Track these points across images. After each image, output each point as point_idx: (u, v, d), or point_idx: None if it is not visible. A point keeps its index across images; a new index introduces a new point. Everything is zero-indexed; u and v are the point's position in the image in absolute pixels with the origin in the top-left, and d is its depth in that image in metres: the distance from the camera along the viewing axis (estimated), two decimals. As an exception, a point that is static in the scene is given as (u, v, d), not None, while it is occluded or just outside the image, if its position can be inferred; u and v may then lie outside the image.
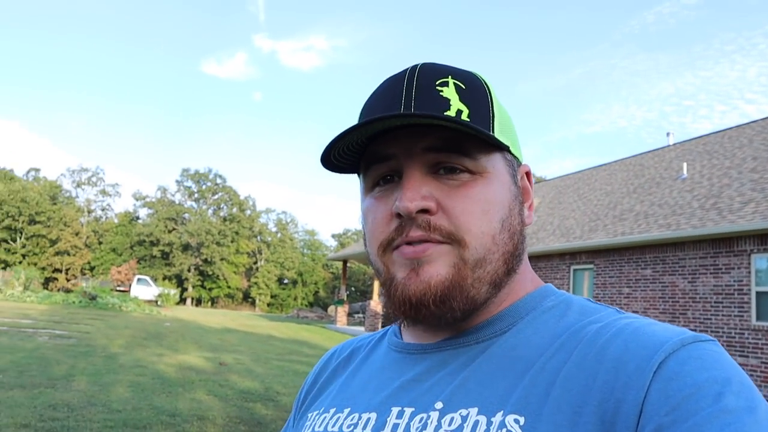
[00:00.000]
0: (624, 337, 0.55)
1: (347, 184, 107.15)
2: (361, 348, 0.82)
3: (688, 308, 11.41)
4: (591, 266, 14.23)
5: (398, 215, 0.63)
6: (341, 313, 25.98)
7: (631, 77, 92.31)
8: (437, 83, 0.64)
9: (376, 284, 24.20)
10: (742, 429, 0.45)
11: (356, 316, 29.50)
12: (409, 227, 0.62)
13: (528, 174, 0.73)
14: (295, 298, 62.52)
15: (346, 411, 0.69)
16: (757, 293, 10.32)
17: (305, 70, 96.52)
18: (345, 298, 26.85)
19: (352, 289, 55.60)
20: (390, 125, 0.61)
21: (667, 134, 20.08)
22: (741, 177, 12.77)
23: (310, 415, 0.75)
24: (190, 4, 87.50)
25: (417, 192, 0.61)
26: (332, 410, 0.71)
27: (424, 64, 0.67)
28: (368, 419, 0.65)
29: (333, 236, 71.13)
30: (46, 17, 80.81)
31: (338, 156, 0.66)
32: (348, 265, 30.27)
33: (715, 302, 10.95)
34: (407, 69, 0.67)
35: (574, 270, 14.82)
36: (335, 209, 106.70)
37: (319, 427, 0.70)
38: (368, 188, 0.69)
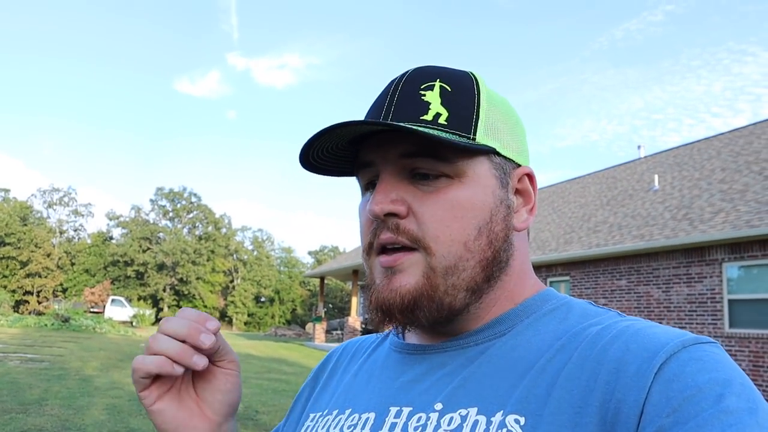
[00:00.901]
0: (625, 339, 0.55)
1: (323, 201, 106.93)
2: (363, 348, 0.82)
3: (663, 317, 11.57)
4: (567, 278, 14.36)
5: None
6: (319, 330, 25.80)
7: (601, 92, 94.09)
8: (422, 87, 0.65)
9: (354, 300, 24.08)
10: (743, 430, 0.45)
11: (334, 332, 29.34)
12: (381, 230, 0.64)
13: (530, 176, 0.71)
14: (273, 316, 61.89)
15: (348, 411, 0.69)
16: (729, 301, 10.51)
17: (279, 88, 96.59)
18: (323, 315, 26.69)
19: (330, 306, 55.31)
20: (359, 132, 0.64)
21: (638, 147, 20.45)
22: (710, 188, 13.05)
23: (312, 415, 0.75)
24: (162, 23, 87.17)
25: (386, 196, 0.63)
26: (335, 411, 0.71)
27: (415, 69, 0.68)
28: (367, 419, 0.65)
29: (310, 253, 70.87)
30: (17, 38, 79.86)
31: (317, 158, 0.68)
32: (325, 282, 30.15)
33: (689, 311, 11.13)
34: (401, 73, 0.68)
35: (551, 282, 14.94)
36: (311, 226, 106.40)
37: (322, 429, 0.70)
38: (362, 192, 0.71)
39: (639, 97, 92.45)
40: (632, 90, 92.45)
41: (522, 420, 0.54)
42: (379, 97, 0.68)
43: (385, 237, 0.63)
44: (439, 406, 0.60)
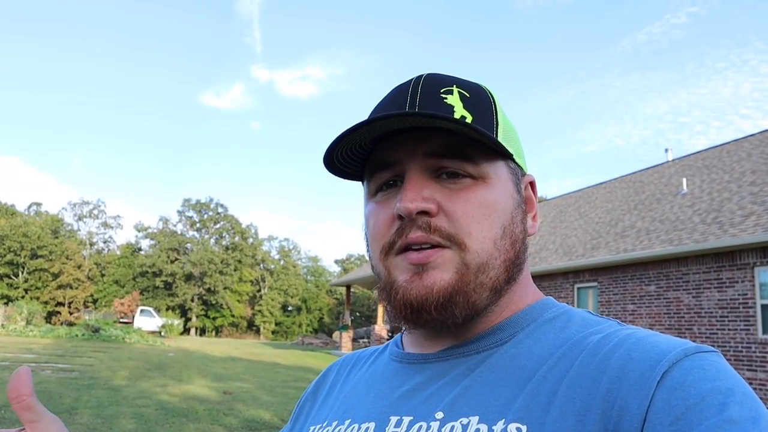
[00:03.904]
0: (627, 347, 0.55)
1: (348, 209, 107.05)
2: (362, 359, 0.82)
3: (694, 323, 11.33)
4: (595, 284, 14.17)
5: (399, 217, 0.63)
6: (346, 338, 25.82)
7: (625, 96, 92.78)
8: (442, 91, 0.65)
9: (381, 309, 24.04)
10: None
11: (361, 341, 29.29)
12: (410, 229, 0.62)
13: (532, 184, 0.73)
14: (300, 325, 62.18)
15: (347, 422, 0.68)
16: (762, 306, 10.25)
17: (302, 99, 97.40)
18: (349, 324, 26.72)
19: (357, 314, 55.34)
20: (393, 126, 0.61)
21: (666, 150, 20.15)
22: (741, 190, 12.78)
23: (312, 428, 0.74)
24: (186, 37, 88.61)
25: (417, 193, 0.62)
26: (334, 423, 0.70)
27: (429, 74, 0.68)
28: (367, 429, 0.64)
29: (336, 262, 71.10)
30: (44, 50, 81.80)
31: (341, 159, 0.67)
32: (352, 290, 30.19)
33: (720, 316, 10.88)
34: (412, 78, 0.68)
35: (578, 288, 14.75)
36: (337, 235, 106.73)
37: None
38: (371, 193, 0.69)
39: (664, 100, 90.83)
40: (657, 93, 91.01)
41: (524, 428, 0.53)
42: (393, 97, 0.67)
43: (416, 236, 0.61)
44: (440, 415, 0.59)
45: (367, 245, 0.70)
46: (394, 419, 0.63)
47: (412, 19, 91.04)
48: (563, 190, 25.94)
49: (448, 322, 0.62)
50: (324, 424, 0.72)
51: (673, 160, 19.28)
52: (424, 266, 0.61)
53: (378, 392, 0.70)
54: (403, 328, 0.70)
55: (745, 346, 10.30)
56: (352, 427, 0.67)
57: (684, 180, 15.54)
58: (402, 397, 0.66)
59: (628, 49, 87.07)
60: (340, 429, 0.68)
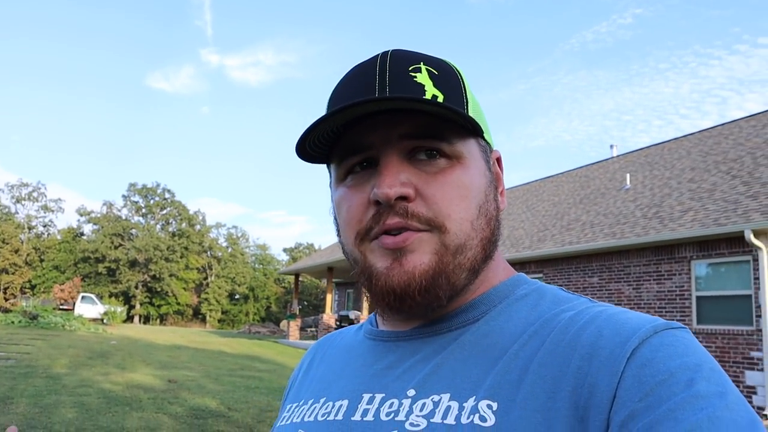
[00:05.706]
0: (597, 324, 0.55)
1: (298, 197, 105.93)
2: (339, 339, 0.83)
3: (634, 314, 11.74)
4: (540, 275, 14.50)
5: (376, 203, 0.61)
6: (293, 327, 25.71)
7: (572, 93, 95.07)
8: (410, 69, 0.63)
9: (329, 297, 24.01)
10: (714, 413, 0.46)
11: (309, 330, 29.22)
12: (387, 214, 0.61)
13: (499, 160, 0.73)
14: (247, 314, 61.47)
15: (322, 400, 0.69)
16: (698, 298, 10.71)
17: (253, 85, 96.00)
18: (297, 312, 26.58)
19: (305, 303, 55.10)
20: (368, 110, 0.60)
21: (611, 146, 20.73)
22: (680, 187, 13.27)
23: (289, 406, 0.75)
24: (134, 18, 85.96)
25: (395, 178, 0.60)
26: (310, 401, 0.71)
27: (395, 51, 0.66)
28: (340, 406, 0.65)
29: (284, 250, 70.54)
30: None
31: (312, 145, 0.65)
32: (300, 279, 30.02)
33: (658, 307, 11.31)
34: (378, 55, 0.65)
35: (524, 279, 15.06)
36: (286, 224, 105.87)
37: (297, 418, 0.70)
38: (340, 177, 0.67)
39: (610, 98, 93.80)
40: (603, 91, 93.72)
41: (494, 405, 0.54)
42: (359, 77, 0.65)
43: (394, 222, 0.60)
44: (411, 392, 0.60)
45: (338, 230, 0.69)
46: (366, 396, 0.63)
47: (364, 9, 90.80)
48: (511, 183, 26.31)
49: (433, 305, 0.62)
50: (300, 403, 0.73)
51: (617, 156, 19.85)
52: (402, 250, 0.61)
53: (352, 370, 0.70)
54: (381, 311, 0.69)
55: (680, 336, 10.74)
56: (326, 404, 0.67)
57: (627, 175, 16.03)
58: (375, 374, 0.66)
59: (576, 47, 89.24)
60: (315, 407, 0.69)
